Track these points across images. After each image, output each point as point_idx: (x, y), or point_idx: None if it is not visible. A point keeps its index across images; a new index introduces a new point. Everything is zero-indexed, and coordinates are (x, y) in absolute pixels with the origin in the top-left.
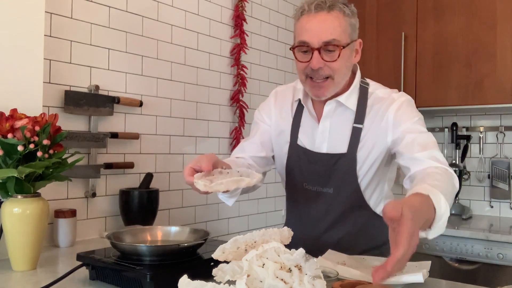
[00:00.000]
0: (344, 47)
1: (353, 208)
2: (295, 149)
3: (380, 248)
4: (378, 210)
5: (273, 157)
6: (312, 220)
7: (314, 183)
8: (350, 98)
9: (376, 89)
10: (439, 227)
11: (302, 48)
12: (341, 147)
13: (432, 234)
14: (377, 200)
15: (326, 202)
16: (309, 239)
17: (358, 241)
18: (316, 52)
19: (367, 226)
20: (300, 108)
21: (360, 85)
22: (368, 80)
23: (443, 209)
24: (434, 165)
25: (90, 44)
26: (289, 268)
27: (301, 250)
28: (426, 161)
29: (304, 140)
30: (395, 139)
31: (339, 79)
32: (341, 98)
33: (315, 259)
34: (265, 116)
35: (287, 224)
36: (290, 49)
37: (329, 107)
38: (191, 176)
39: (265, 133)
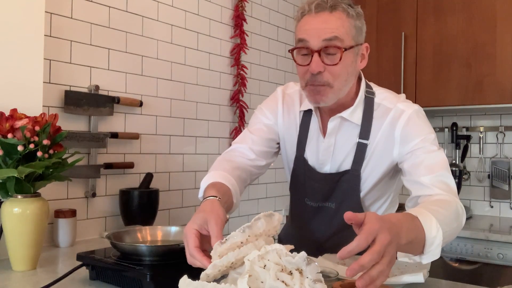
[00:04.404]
0: (346, 49)
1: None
2: (301, 162)
3: None
4: None
5: (275, 153)
6: (312, 233)
7: (316, 199)
8: (355, 113)
9: (382, 100)
10: (433, 252)
11: (301, 50)
12: (345, 164)
13: (426, 259)
14: (382, 213)
15: (327, 216)
16: (309, 249)
17: (360, 252)
18: (316, 55)
19: None
20: (307, 118)
21: (365, 95)
22: (374, 88)
23: (434, 232)
24: (439, 193)
25: (90, 44)
26: (290, 271)
27: (303, 254)
28: (431, 187)
29: (309, 154)
30: (402, 156)
31: (339, 86)
32: (345, 114)
33: (316, 262)
34: (269, 114)
35: (288, 231)
36: (289, 51)
37: (334, 123)
38: (200, 252)
39: (269, 129)
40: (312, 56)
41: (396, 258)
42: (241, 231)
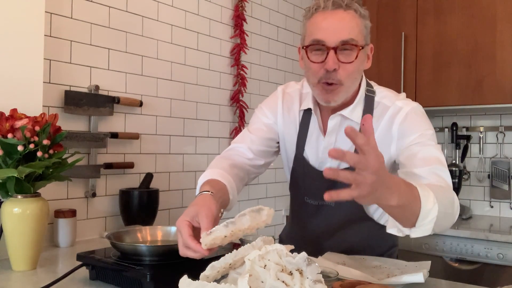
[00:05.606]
0: (362, 48)
1: (355, 220)
2: (300, 161)
3: (383, 255)
4: (383, 220)
5: (275, 152)
6: (313, 231)
7: (316, 198)
8: (355, 111)
9: (382, 98)
10: (425, 227)
11: (315, 47)
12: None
13: (415, 233)
14: (382, 211)
15: (327, 215)
16: (309, 248)
17: (359, 251)
18: (332, 52)
19: (370, 236)
20: (306, 117)
21: (365, 94)
22: (374, 87)
23: (430, 205)
24: (434, 182)
25: (90, 44)
26: (290, 271)
27: (303, 254)
28: (426, 178)
29: (309, 152)
30: (399, 151)
31: (349, 84)
32: (345, 112)
33: (317, 263)
34: (269, 113)
35: (289, 231)
36: (302, 47)
37: (334, 122)
38: (194, 240)
39: (268, 128)
40: (327, 52)
41: (394, 255)
42: (225, 226)
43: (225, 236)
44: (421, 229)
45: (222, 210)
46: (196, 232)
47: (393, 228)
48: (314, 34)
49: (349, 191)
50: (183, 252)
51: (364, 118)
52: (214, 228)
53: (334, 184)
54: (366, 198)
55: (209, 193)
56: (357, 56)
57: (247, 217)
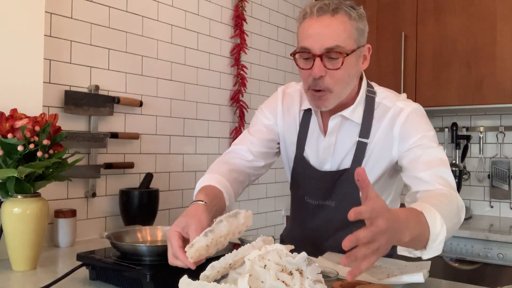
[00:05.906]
0: (348, 55)
1: (356, 219)
2: (300, 161)
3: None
4: None
5: (276, 153)
6: (313, 231)
7: (316, 197)
8: (355, 111)
9: (383, 99)
10: (435, 248)
11: (303, 54)
12: (345, 163)
13: (427, 254)
14: None
15: (327, 215)
16: (310, 248)
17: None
18: (318, 60)
19: None
20: (307, 117)
21: (366, 94)
22: (375, 87)
23: (438, 228)
24: (439, 188)
25: (90, 44)
26: (290, 271)
27: (303, 254)
28: (430, 182)
29: (309, 152)
30: (401, 154)
31: (339, 90)
32: (346, 113)
33: (317, 263)
34: (269, 114)
35: (289, 231)
36: (290, 54)
37: (334, 122)
38: (183, 252)
39: (268, 129)
40: (314, 60)
41: (394, 255)
42: (204, 235)
43: (207, 246)
44: (432, 251)
45: (214, 220)
46: (186, 243)
47: (404, 251)
48: (301, 42)
49: (369, 261)
50: (172, 261)
51: (356, 172)
52: (194, 240)
53: (335, 185)
54: (384, 253)
55: (203, 203)
56: (342, 63)
57: (224, 223)
